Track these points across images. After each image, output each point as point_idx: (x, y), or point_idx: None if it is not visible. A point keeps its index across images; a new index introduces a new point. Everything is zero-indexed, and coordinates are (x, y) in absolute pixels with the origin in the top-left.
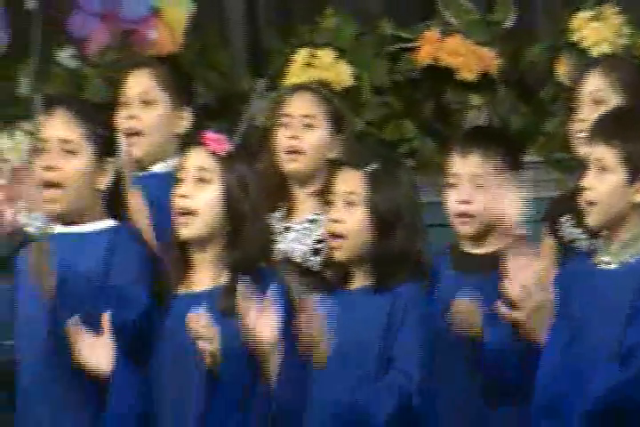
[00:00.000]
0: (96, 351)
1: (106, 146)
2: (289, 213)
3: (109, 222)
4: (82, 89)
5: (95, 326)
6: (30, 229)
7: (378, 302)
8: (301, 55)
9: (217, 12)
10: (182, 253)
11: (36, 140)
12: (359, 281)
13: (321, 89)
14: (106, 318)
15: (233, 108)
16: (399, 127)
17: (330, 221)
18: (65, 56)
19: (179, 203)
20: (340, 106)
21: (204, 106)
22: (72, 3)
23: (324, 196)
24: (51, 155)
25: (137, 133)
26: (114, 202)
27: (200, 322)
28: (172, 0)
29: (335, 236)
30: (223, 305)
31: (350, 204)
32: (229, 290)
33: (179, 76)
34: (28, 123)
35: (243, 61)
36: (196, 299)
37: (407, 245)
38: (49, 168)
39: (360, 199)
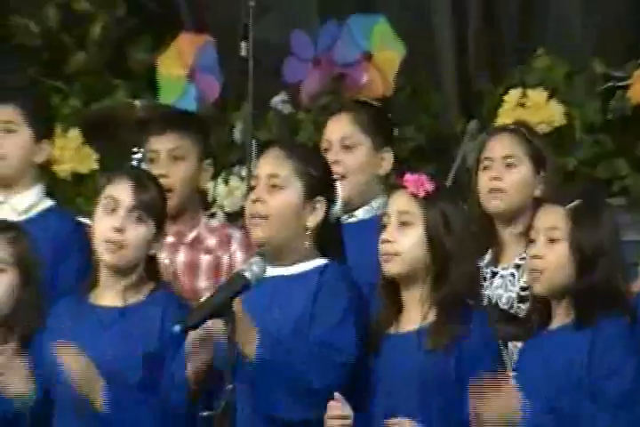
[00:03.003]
0: None
1: (317, 185)
2: (496, 257)
3: (318, 261)
4: (295, 133)
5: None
6: (247, 274)
7: (579, 340)
8: (513, 96)
9: (428, 55)
10: (392, 293)
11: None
12: (560, 319)
13: (520, 129)
14: None
15: (444, 149)
16: (611, 165)
17: (531, 257)
18: (278, 101)
19: (383, 248)
20: (540, 145)
21: (416, 148)
22: (285, 49)
23: (528, 234)
24: (260, 189)
25: (341, 177)
26: (322, 241)
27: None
28: (384, 44)
29: (535, 271)
30: (431, 343)
31: (551, 240)
32: (437, 328)
33: (379, 118)
34: (242, 168)
35: (454, 103)
36: (405, 339)
37: (609, 281)
38: (256, 201)
39: (561, 235)
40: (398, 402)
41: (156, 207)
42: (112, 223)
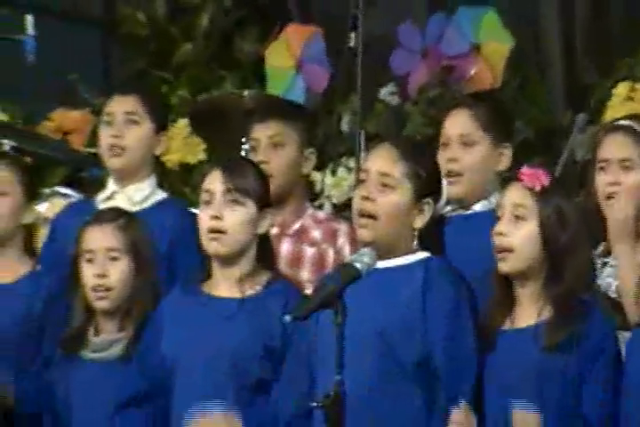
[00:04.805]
0: None
1: (426, 187)
2: (607, 248)
3: (422, 254)
4: (403, 126)
5: None
6: (358, 265)
7: None
8: (621, 89)
9: (535, 47)
10: (506, 288)
11: (357, 176)
12: None
13: (634, 128)
14: None
15: (553, 142)
16: None
17: None
18: (386, 93)
19: (496, 241)
20: None
21: (523, 141)
22: (394, 40)
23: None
24: (369, 186)
25: (458, 174)
26: (425, 240)
27: None
28: (492, 36)
29: None
30: (548, 340)
31: None
32: (554, 326)
33: (498, 113)
34: (350, 159)
35: (562, 96)
36: (521, 335)
37: None
38: (365, 198)
39: None
40: (514, 398)
41: (251, 188)
42: (210, 212)
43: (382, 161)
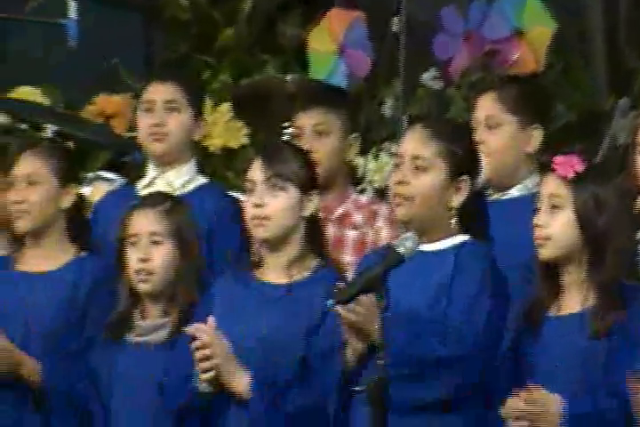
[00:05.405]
0: None
1: (462, 164)
2: None
3: (458, 238)
4: (446, 110)
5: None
6: (400, 249)
7: None
8: None
9: (578, 32)
10: (550, 275)
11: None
12: None
13: None
14: None
15: (594, 127)
16: None
17: None
18: (429, 77)
19: (535, 232)
20: None
21: (565, 125)
22: (436, 24)
23: None
24: (403, 170)
25: (485, 157)
26: (466, 219)
27: None
28: (535, 20)
29: None
30: (594, 327)
31: None
32: (599, 313)
33: (528, 95)
34: (393, 144)
35: (604, 80)
36: (567, 322)
37: None
38: (400, 182)
39: None
40: (558, 384)
41: (292, 172)
42: (253, 200)
43: (413, 143)
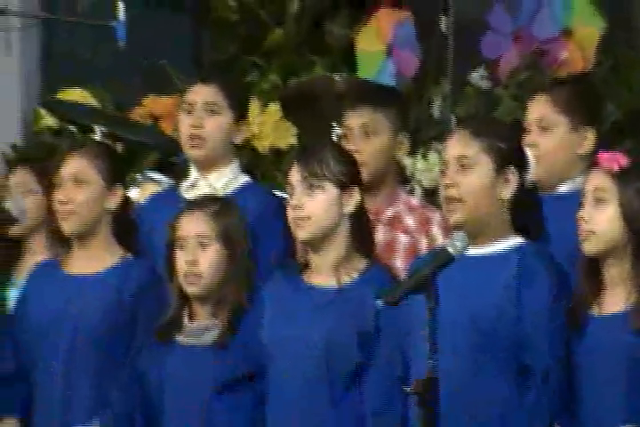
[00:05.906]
0: None
1: (507, 156)
2: None
3: (515, 240)
4: (494, 109)
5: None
6: (450, 249)
7: None
8: None
9: (627, 30)
10: (593, 272)
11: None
12: None
13: None
14: None
15: None
16: None
17: None
18: (477, 77)
19: (579, 226)
20: None
21: (614, 123)
22: (485, 24)
23: None
24: (450, 173)
25: (537, 158)
26: (521, 217)
27: None
28: (584, 19)
29: None
30: (637, 325)
31: None
32: None
33: (581, 96)
34: (441, 144)
35: None
36: (611, 320)
37: None
38: (449, 185)
39: None
40: (604, 385)
41: (327, 170)
42: (292, 203)
43: (456, 145)
